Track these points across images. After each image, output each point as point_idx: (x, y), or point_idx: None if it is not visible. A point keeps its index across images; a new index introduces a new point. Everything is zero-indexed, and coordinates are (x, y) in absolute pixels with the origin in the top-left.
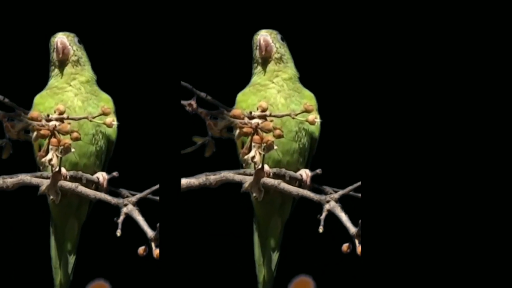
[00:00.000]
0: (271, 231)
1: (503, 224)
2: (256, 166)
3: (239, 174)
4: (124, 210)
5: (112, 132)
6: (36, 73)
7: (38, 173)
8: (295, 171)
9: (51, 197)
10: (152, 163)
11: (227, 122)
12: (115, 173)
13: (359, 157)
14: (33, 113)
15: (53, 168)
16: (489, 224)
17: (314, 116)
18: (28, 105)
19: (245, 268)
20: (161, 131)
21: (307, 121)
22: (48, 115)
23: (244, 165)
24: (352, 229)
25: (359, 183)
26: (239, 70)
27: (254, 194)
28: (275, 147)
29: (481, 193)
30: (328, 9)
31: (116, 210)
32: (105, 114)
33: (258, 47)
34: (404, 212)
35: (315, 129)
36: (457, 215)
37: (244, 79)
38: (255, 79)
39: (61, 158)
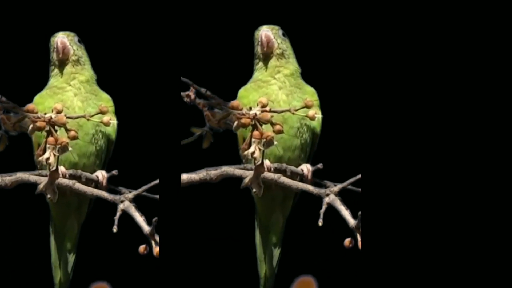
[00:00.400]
0: (272, 226)
1: (502, 218)
2: (256, 161)
3: (240, 169)
4: (121, 206)
5: (111, 131)
6: (36, 72)
7: (37, 171)
8: (297, 167)
9: (49, 196)
10: (151, 160)
11: (225, 113)
12: (114, 172)
13: (360, 152)
14: (29, 105)
15: (51, 167)
16: (488, 217)
17: (314, 112)
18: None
19: (246, 264)
20: (161, 129)
21: (307, 116)
22: (45, 114)
23: (244, 161)
24: (352, 222)
25: (358, 176)
26: (240, 65)
27: (254, 190)
28: (275, 143)
29: (480, 188)
30: (330, 4)
31: (115, 208)
32: (102, 112)
33: (259, 43)
34: (405, 206)
35: (317, 124)
36: (457, 210)
37: (245, 75)
38: (256, 75)
39: (58, 157)
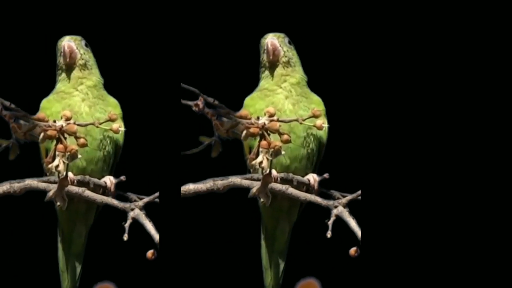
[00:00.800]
0: (278, 235)
1: (504, 225)
2: (264, 171)
3: (247, 179)
4: (131, 214)
5: (119, 137)
6: (43, 77)
7: (45, 178)
8: (303, 177)
9: (58, 203)
10: (159, 167)
11: (234, 122)
12: (122, 177)
13: (367, 162)
14: (40, 114)
15: (60, 175)
16: (493, 226)
17: (322, 121)
18: (35, 110)
19: (252, 272)
20: (168, 135)
21: (314, 126)
22: (54, 121)
23: (251, 170)
24: (360, 234)
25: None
26: (247, 74)
27: (261, 200)
28: (283, 152)
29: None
30: (337, 14)
31: (123, 214)
32: (111, 120)
33: (265, 51)
34: (412, 214)
35: (323, 134)
36: (465, 214)
37: (251, 83)
38: (262, 83)
39: (67, 164)
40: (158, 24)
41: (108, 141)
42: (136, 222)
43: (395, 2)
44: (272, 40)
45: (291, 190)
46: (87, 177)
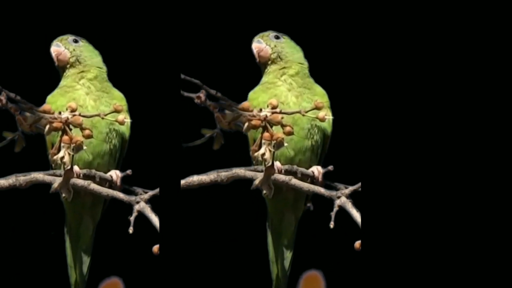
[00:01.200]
0: (284, 228)
1: (503, 219)
2: (266, 163)
3: (251, 170)
4: (137, 207)
5: (125, 130)
6: (49, 73)
7: (51, 171)
8: (307, 169)
9: (63, 195)
10: (163, 160)
11: (236, 114)
12: (128, 171)
13: (371, 154)
14: (45, 106)
15: (65, 166)
16: (492, 222)
17: (325, 113)
18: (40, 104)
19: (258, 265)
20: (172, 128)
21: (317, 118)
22: (60, 113)
23: (254, 162)
24: (361, 221)
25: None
26: (250, 69)
27: (264, 191)
28: (285, 144)
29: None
30: (342, 5)
31: (130, 209)
32: (117, 111)
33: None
34: (417, 208)
35: (327, 125)
36: (469, 213)
37: (255, 79)
38: (263, 78)
39: (73, 156)
40: (162, 18)
41: (114, 134)
42: (144, 217)
43: None
44: (255, 44)
45: (295, 181)
46: (93, 171)
